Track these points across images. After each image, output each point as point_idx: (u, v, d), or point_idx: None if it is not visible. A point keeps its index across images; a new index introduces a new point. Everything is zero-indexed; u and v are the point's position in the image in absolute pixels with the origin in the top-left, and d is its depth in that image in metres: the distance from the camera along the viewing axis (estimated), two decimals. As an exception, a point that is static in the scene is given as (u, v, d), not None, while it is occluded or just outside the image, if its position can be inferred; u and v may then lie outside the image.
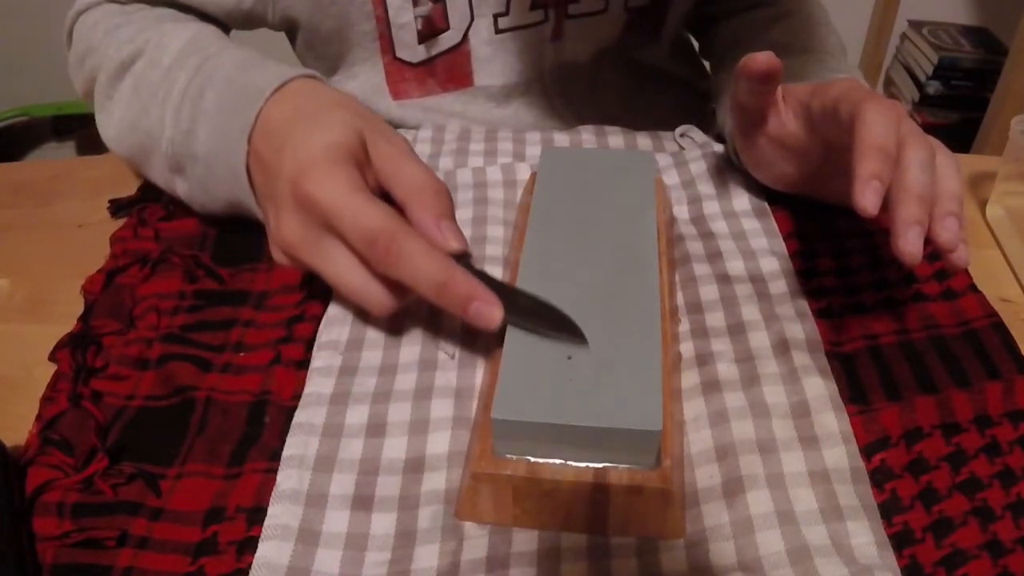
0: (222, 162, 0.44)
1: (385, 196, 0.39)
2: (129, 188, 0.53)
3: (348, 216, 0.36)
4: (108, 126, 0.51)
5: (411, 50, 0.59)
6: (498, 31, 0.59)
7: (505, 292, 0.36)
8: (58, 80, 0.54)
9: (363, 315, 0.43)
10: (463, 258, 0.37)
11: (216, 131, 0.44)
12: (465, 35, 0.59)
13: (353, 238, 0.36)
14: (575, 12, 0.60)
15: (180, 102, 0.46)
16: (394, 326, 0.42)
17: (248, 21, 0.58)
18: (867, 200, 0.34)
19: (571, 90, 0.65)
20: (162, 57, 0.48)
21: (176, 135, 0.46)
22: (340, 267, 0.38)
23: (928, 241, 0.35)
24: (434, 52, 0.59)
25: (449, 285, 0.35)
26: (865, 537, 0.32)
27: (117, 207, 0.52)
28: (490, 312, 0.35)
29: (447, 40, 0.59)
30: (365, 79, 0.61)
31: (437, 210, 0.38)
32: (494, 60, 0.60)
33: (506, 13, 0.58)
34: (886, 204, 0.35)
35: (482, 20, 0.58)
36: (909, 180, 0.35)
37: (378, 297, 0.38)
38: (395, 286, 0.37)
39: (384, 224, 0.36)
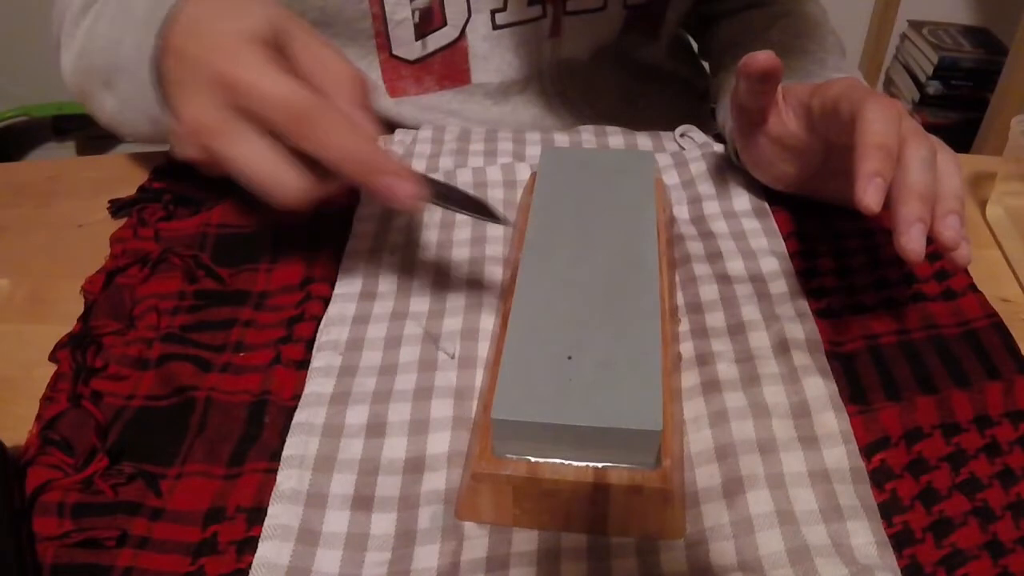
0: (142, 68, 0.42)
1: None
2: (129, 188, 0.53)
3: (265, 88, 0.34)
4: (67, 61, 0.51)
5: (408, 47, 0.59)
6: (495, 27, 0.59)
7: (431, 180, 0.37)
8: (58, 80, 0.53)
9: (364, 316, 0.43)
10: None
11: (140, 38, 0.43)
12: (462, 31, 0.59)
13: (270, 111, 0.34)
14: (573, 8, 0.60)
15: (114, 15, 0.46)
16: (394, 326, 0.42)
17: None
18: (869, 198, 0.34)
19: (569, 88, 0.65)
20: None
21: (108, 45, 0.46)
22: (252, 150, 0.35)
23: (929, 240, 0.35)
24: (431, 49, 0.59)
25: (374, 160, 0.34)
26: (865, 537, 0.32)
27: (117, 207, 0.52)
28: (410, 187, 0.35)
29: (444, 37, 0.59)
30: None
31: (357, 100, 0.37)
32: (491, 57, 0.60)
33: (504, 9, 0.58)
34: (887, 203, 0.35)
35: (479, 16, 0.58)
36: (911, 178, 0.35)
37: (293, 180, 0.36)
38: (312, 170, 0.36)
39: (307, 96, 0.34)
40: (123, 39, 0.44)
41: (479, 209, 0.40)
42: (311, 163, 0.35)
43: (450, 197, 0.39)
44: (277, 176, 0.36)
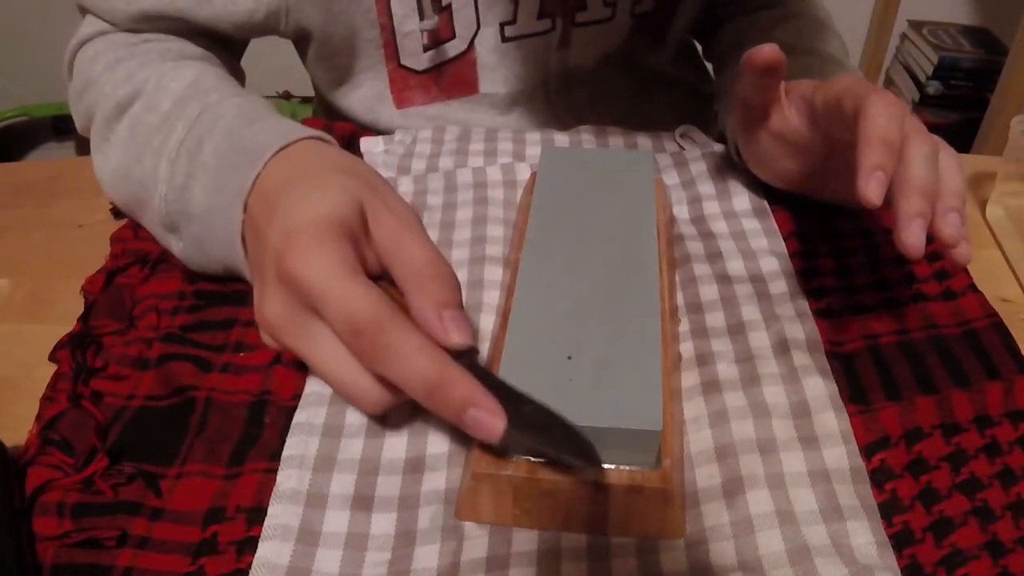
0: (217, 224, 0.40)
1: (387, 277, 0.36)
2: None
3: (333, 300, 0.32)
4: (104, 170, 0.48)
5: (416, 58, 0.59)
6: (504, 39, 0.59)
7: (509, 397, 0.31)
8: (58, 80, 0.53)
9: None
10: (467, 354, 0.32)
11: (213, 189, 0.41)
12: (471, 43, 0.59)
13: (337, 325, 0.32)
14: (582, 20, 0.60)
15: (176, 154, 0.43)
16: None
17: (261, 32, 0.56)
18: (871, 191, 0.34)
19: (574, 96, 0.65)
20: (161, 100, 0.45)
21: (170, 191, 0.43)
22: (326, 356, 0.33)
23: (929, 239, 0.35)
24: (439, 60, 0.59)
25: (443, 388, 0.30)
26: (865, 537, 0.32)
27: (117, 208, 0.52)
28: (491, 422, 0.30)
29: (453, 48, 0.59)
30: (369, 87, 0.61)
31: (440, 297, 0.33)
32: (499, 68, 0.60)
33: (513, 22, 0.58)
34: (887, 201, 0.35)
35: (488, 29, 0.58)
36: (912, 174, 0.35)
37: (369, 393, 0.33)
38: (388, 382, 0.33)
39: (372, 312, 0.31)
40: (189, 185, 0.42)
41: (568, 440, 0.30)
42: None
43: (529, 420, 0.31)
44: (354, 387, 0.33)
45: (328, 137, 0.42)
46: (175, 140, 0.43)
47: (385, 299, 0.32)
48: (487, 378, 0.31)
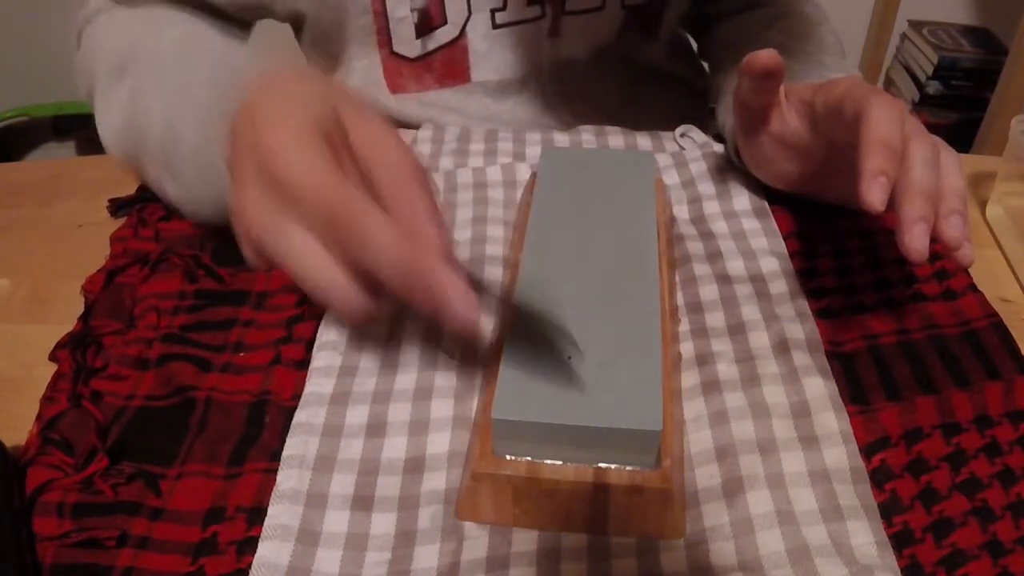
0: (207, 155, 0.41)
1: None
2: (129, 188, 0.53)
3: (310, 190, 0.31)
4: (106, 127, 0.50)
5: (408, 44, 0.59)
6: (495, 26, 0.59)
7: (491, 291, 0.32)
8: (58, 80, 0.54)
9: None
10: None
11: (203, 125, 0.42)
12: (462, 30, 0.59)
13: (314, 219, 0.31)
14: (572, 8, 0.60)
15: (170, 97, 0.45)
16: (394, 326, 0.42)
17: (257, 13, 0.58)
18: (874, 195, 0.34)
19: (568, 87, 0.65)
20: (158, 47, 0.48)
21: (166, 132, 0.44)
22: (303, 252, 0.32)
23: (932, 239, 0.35)
24: (431, 47, 0.59)
25: (418, 271, 0.30)
26: (865, 537, 0.32)
27: (117, 206, 0.52)
28: (466, 305, 0.30)
29: (444, 35, 0.59)
30: (363, 73, 0.61)
31: (412, 190, 0.33)
32: (491, 55, 0.60)
33: (503, 8, 0.58)
34: (889, 204, 0.35)
35: (479, 15, 0.58)
36: (914, 177, 0.35)
37: (346, 292, 0.32)
38: (368, 282, 0.32)
39: (347, 199, 0.30)
40: (184, 125, 0.43)
41: (548, 329, 0.32)
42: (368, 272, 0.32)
43: (513, 311, 0.32)
44: (329, 284, 0.32)
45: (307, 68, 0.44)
46: (170, 83, 0.45)
47: (360, 191, 0.31)
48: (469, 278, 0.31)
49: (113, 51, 0.50)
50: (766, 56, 0.41)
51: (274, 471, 0.35)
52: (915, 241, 0.34)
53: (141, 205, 0.51)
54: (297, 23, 0.62)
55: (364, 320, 0.33)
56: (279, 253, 0.33)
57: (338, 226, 0.31)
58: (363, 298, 0.32)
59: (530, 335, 0.32)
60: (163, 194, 0.48)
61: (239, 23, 0.60)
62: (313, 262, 0.32)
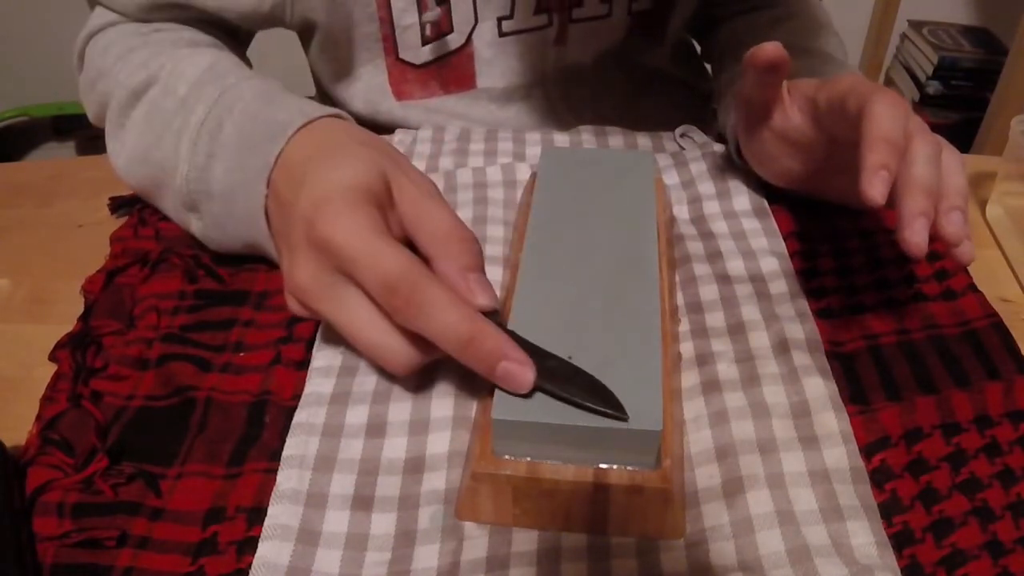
0: (239, 201, 0.41)
1: (409, 245, 0.36)
2: (129, 188, 0.53)
3: (365, 260, 0.33)
4: (119, 155, 0.49)
5: (414, 51, 0.59)
6: (502, 34, 0.59)
7: (535, 352, 0.33)
8: (58, 80, 0.54)
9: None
10: (491, 316, 0.34)
11: (234, 168, 0.42)
12: (469, 38, 0.59)
13: (371, 285, 0.33)
14: (579, 16, 0.60)
15: (197, 135, 0.43)
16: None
17: (267, 23, 0.57)
18: (875, 189, 0.34)
19: (573, 93, 0.65)
20: (178, 85, 0.46)
21: (191, 171, 0.43)
22: (356, 317, 0.34)
23: (930, 238, 0.35)
24: (437, 54, 0.59)
25: (477, 340, 0.32)
26: (865, 537, 0.32)
27: (117, 205, 0.52)
28: (521, 372, 0.32)
29: (451, 42, 0.59)
30: (369, 80, 0.61)
31: (464, 261, 0.35)
32: (497, 63, 0.60)
33: (510, 16, 0.58)
34: (890, 201, 0.35)
35: (486, 23, 0.58)
36: (915, 173, 0.35)
37: (398, 353, 0.34)
38: (418, 341, 0.34)
39: (406, 269, 0.32)
40: (210, 165, 0.43)
41: (594, 393, 0.32)
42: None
43: (555, 374, 0.33)
44: (383, 347, 0.34)
45: (345, 115, 0.43)
46: (195, 121, 0.44)
47: (416, 258, 0.33)
48: (512, 336, 0.33)
49: (129, 71, 0.49)
50: (771, 49, 0.41)
51: (274, 471, 0.35)
52: (915, 235, 0.34)
53: (141, 205, 0.51)
54: (307, 32, 0.61)
55: (412, 371, 0.35)
56: (332, 314, 0.35)
57: (398, 295, 0.32)
58: (415, 355, 0.34)
59: (569, 397, 0.32)
60: (184, 227, 0.47)
61: (244, 32, 0.60)
62: (369, 326, 0.34)
